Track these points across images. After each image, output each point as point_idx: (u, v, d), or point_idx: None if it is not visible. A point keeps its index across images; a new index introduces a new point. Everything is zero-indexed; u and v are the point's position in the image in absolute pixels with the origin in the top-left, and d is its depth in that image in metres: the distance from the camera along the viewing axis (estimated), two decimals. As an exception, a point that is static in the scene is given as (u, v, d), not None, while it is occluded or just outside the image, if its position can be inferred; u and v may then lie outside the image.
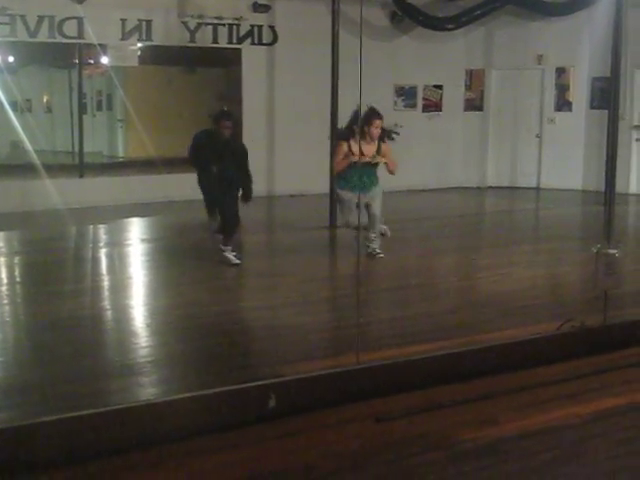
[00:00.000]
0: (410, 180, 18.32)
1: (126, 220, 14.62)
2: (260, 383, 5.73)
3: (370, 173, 10.71)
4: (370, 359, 6.31)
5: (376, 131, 10.61)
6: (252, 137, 17.23)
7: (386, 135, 10.85)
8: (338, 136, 11.17)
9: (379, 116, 10.67)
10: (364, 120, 10.57)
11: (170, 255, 11.35)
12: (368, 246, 10.75)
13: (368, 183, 10.68)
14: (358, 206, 10.42)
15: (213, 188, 10.42)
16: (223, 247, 10.45)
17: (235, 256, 10.41)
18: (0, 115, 16.28)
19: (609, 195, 12.65)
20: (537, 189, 19.09)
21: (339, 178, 10.87)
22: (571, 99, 18.97)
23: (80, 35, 15.60)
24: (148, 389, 6.07)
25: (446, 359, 6.49)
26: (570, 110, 18.97)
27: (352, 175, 10.58)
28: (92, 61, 18.18)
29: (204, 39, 16.80)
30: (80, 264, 11.08)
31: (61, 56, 18.14)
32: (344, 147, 10.59)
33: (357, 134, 10.53)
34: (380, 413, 5.65)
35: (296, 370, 6.15)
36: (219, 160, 10.41)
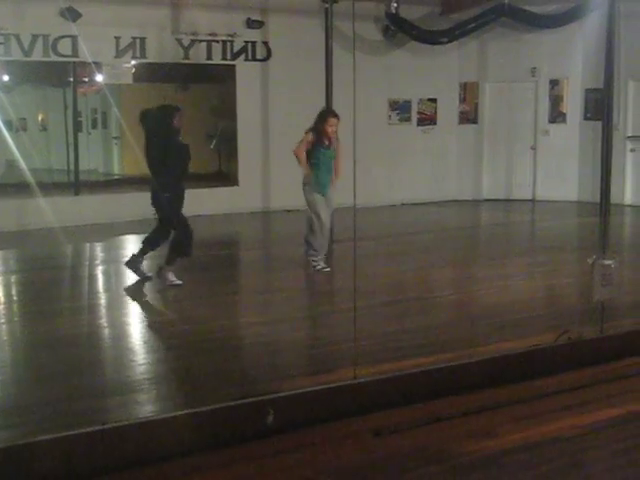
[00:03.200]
0: (405, 193, 18.39)
1: (122, 237, 14.61)
2: (258, 399, 5.73)
3: (330, 170, 10.77)
4: (368, 373, 6.31)
5: (331, 129, 10.64)
6: (247, 152, 17.30)
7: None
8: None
9: (334, 114, 10.75)
10: (319, 118, 10.67)
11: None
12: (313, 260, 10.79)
13: (328, 181, 10.78)
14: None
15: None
16: (167, 266, 10.10)
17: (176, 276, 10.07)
18: (-5, 134, 16.28)
19: (604, 206, 12.67)
20: (532, 201, 19.12)
21: (314, 183, 10.80)
22: (565, 111, 19.03)
23: (74, 53, 15.64)
24: (146, 406, 6.06)
25: (443, 372, 6.48)
26: (564, 122, 19.04)
27: (321, 172, 10.63)
28: (87, 79, 18.20)
29: (198, 56, 16.85)
30: (76, 282, 11.05)
31: (56, 75, 18.13)
32: (309, 136, 10.63)
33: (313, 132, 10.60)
34: (378, 427, 5.65)
35: (294, 386, 6.14)
36: (166, 155, 9.80)
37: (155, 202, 9.91)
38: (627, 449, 5.39)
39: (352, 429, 5.68)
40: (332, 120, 10.70)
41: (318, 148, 10.71)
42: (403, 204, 18.25)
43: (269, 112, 17.49)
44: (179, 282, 10.00)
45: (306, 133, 10.71)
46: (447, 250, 13.29)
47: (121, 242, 14.37)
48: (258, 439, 5.47)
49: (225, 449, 5.33)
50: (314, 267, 10.73)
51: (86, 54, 15.39)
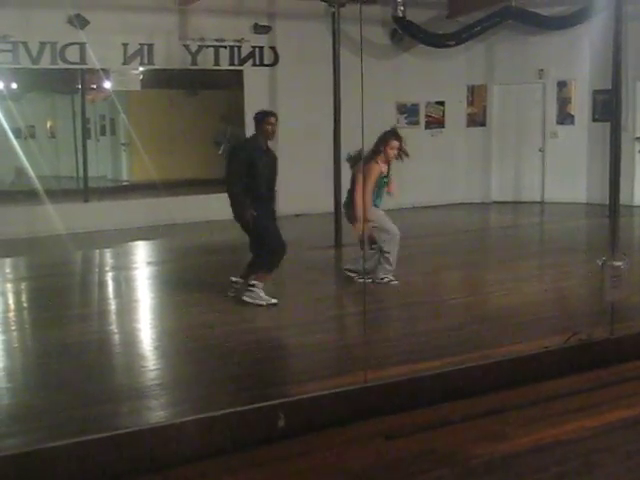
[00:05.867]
0: (414, 197, 18.35)
1: (131, 243, 14.62)
2: (269, 403, 5.74)
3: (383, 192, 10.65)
4: (379, 377, 6.31)
5: (392, 152, 10.44)
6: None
7: (404, 153, 10.68)
8: (364, 160, 10.73)
9: (397, 137, 10.52)
10: (382, 140, 10.51)
11: (176, 277, 11.36)
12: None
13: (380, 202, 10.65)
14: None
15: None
16: (256, 282, 9.40)
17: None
18: (4, 142, 16.31)
19: (613, 207, 12.68)
20: (541, 203, 19.10)
21: (375, 197, 10.57)
22: (573, 112, 19.02)
23: (82, 60, 15.68)
24: (157, 412, 6.06)
25: (454, 375, 6.48)
26: (572, 123, 19.02)
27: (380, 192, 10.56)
28: (95, 86, 18.25)
29: (206, 61, 16.88)
30: (87, 288, 11.08)
31: (64, 82, 18.19)
32: (377, 169, 10.35)
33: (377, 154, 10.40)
34: (390, 430, 5.65)
35: (305, 390, 6.15)
36: (268, 175, 9.56)
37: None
38: (638, 451, 5.38)
39: (364, 432, 5.68)
40: (393, 143, 10.43)
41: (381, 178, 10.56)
42: (413, 207, 18.23)
43: (277, 117, 17.46)
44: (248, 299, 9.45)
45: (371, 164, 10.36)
46: (457, 253, 13.28)
47: (130, 248, 14.39)
48: (270, 443, 5.47)
49: (236, 454, 5.33)
50: (382, 279, 10.30)
51: (94, 61, 15.46)
